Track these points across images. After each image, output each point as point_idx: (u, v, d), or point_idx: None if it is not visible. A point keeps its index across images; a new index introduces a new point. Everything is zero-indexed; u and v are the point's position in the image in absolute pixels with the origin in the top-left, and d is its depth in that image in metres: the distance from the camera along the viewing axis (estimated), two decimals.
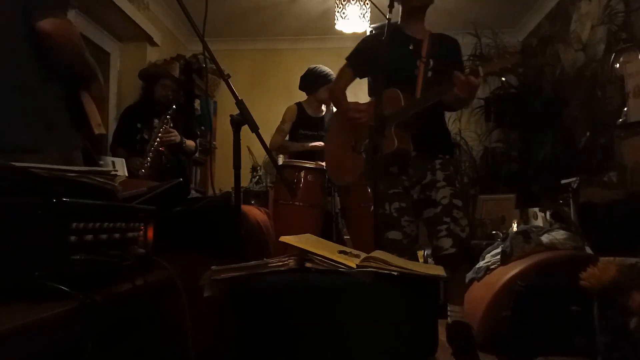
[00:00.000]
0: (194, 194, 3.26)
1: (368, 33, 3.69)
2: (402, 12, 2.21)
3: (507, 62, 1.94)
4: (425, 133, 2.08)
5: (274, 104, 4.67)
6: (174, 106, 3.20)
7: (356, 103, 2.22)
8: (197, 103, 4.45)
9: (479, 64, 1.92)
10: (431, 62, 2.13)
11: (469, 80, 1.87)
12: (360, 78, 2.38)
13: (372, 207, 1.85)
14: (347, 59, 2.28)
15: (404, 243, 2.06)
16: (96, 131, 1.65)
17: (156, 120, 3.17)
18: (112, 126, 3.98)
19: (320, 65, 3.45)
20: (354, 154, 2.26)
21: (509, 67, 1.94)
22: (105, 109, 3.97)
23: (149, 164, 3.05)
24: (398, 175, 2.13)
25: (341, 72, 2.31)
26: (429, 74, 2.12)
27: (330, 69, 3.46)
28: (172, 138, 3.15)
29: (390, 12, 2.02)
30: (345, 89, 2.31)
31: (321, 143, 3.35)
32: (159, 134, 3.11)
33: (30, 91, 1.50)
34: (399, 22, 2.21)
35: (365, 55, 2.21)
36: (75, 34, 1.53)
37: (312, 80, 3.42)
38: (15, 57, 1.48)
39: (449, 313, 2.10)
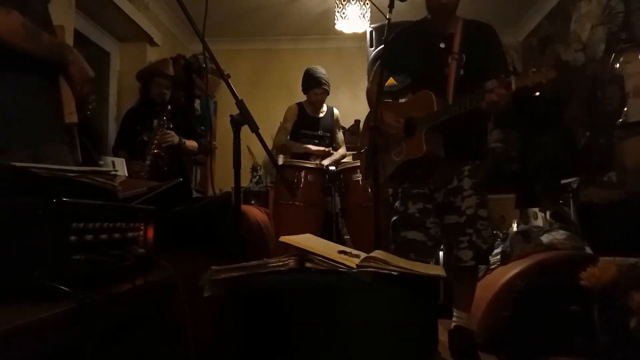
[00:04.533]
0: (194, 194, 3.25)
1: (368, 33, 3.70)
2: (427, 7, 2.11)
3: (541, 77, 1.78)
4: (456, 136, 1.99)
5: (274, 104, 4.67)
6: (169, 107, 3.15)
7: (392, 105, 2.15)
8: (197, 103, 4.45)
9: (512, 76, 1.78)
10: (464, 58, 2.03)
11: (498, 94, 1.78)
12: (397, 75, 2.32)
13: (373, 207, 1.84)
14: (380, 59, 2.16)
15: (428, 245, 2.03)
16: (66, 120, 1.55)
17: (155, 121, 3.14)
18: (112, 125, 3.99)
19: (315, 68, 3.46)
20: (385, 156, 2.15)
21: (543, 83, 1.78)
22: (96, 90, 3.88)
23: (148, 167, 3.03)
24: (424, 178, 2.09)
25: (375, 74, 2.20)
26: (461, 72, 2.02)
27: (328, 70, 3.49)
28: (170, 140, 3.10)
29: (390, 12, 2.01)
30: (381, 89, 2.20)
31: (322, 148, 3.37)
32: (156, 137, 3.08)
33: None
34: (428, 16, 2.12)
35: (396, 53, 2.13)
36: (9, 20, 1.38)
37: (303, 82, 3.48)
38: None
39: (453, 318, 2.08)
